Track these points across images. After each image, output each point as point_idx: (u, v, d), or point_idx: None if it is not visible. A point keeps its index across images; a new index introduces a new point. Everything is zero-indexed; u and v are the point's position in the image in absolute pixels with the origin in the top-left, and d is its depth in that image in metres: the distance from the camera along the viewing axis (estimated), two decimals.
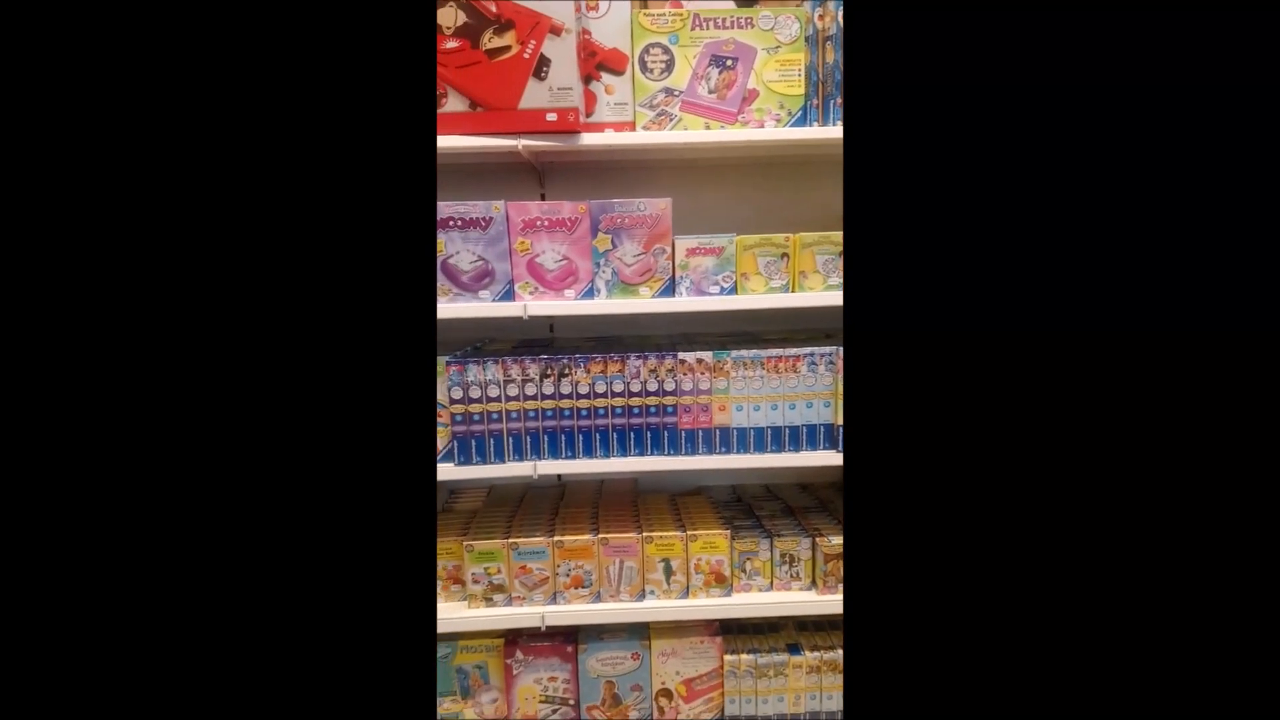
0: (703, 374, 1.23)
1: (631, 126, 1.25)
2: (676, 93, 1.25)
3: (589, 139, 1.20)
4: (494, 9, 1.15)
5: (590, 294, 1.22)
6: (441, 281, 1.20)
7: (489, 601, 1.28)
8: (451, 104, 1.17)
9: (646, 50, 1.23)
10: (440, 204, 1.18)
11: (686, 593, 1.30)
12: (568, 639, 1.33)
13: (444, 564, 1.30)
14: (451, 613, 1.28)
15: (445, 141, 1.17)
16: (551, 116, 1.17)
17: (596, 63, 1.24)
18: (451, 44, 1.16)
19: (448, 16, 1.17)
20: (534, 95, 1.16)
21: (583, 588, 1.29)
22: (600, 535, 1.28)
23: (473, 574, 1.27)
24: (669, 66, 1.24)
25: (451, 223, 1.18)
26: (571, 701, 1.33)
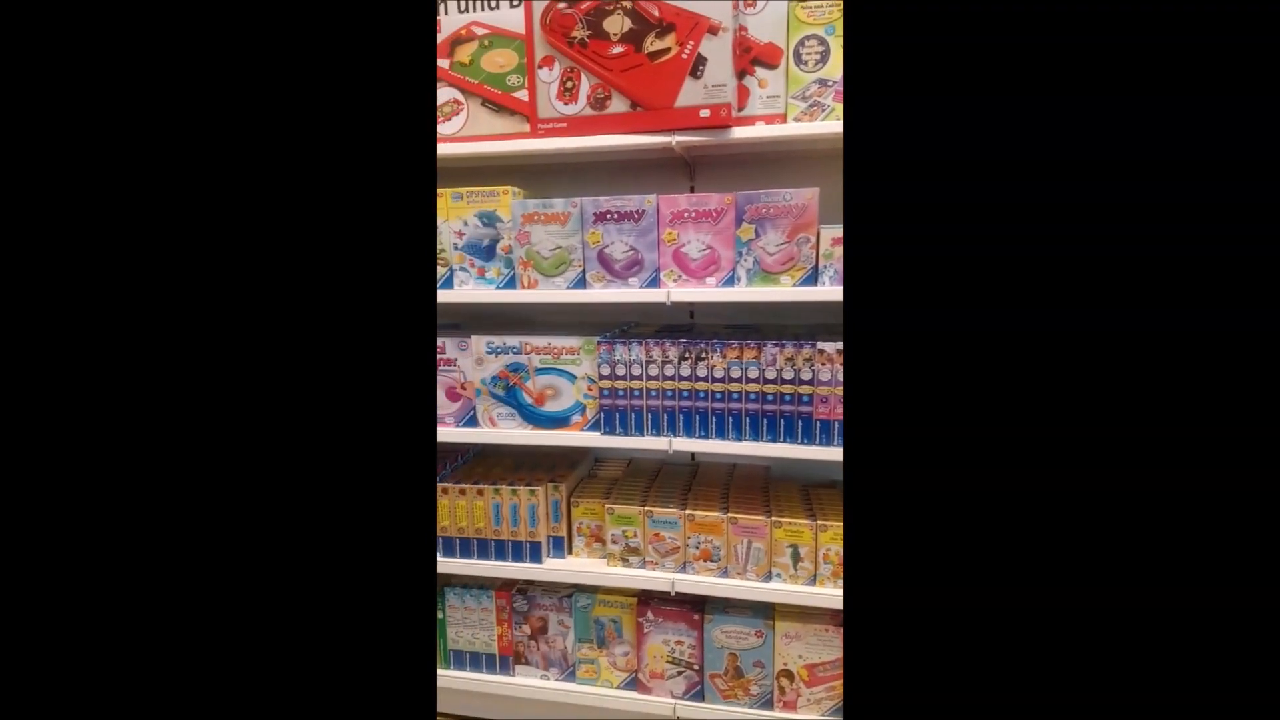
0: (842, 365, 1.23)
1: (783, 119, 1.27)
2: (830, 83, 1.25)
3: (739, 133, 1.25)
4: (656, 13, 1.23)
5: (730, 282, 1.27)
6: (597, 270, 1.32)
7: (625, 562, 1.40)
8: (614, 105, 1.28)
9: (802, 43, 1.25)
10: (600, 198, 1.30)
11: (814, 580, 1.31)
12: (695, 607, 1.41)
13: (587, 523, 1.44)
14: (592, 567, 1.42)
15: (606, 140, 1.29)
16: (705, 113, 1.23)
17: (751, 58, 1.28)
18: (617, 49, 1.26)
19: (615, 24, 1.27)
20: (690, 93, 1.23)
21: (711, 561, 1.36)
22: (730, 514, 1.34)
23: (612, 535, 1.40)
24: (824, 57, 1.24)
25: (609, 215, 1.30)
26: (696, 666, 1.41)
